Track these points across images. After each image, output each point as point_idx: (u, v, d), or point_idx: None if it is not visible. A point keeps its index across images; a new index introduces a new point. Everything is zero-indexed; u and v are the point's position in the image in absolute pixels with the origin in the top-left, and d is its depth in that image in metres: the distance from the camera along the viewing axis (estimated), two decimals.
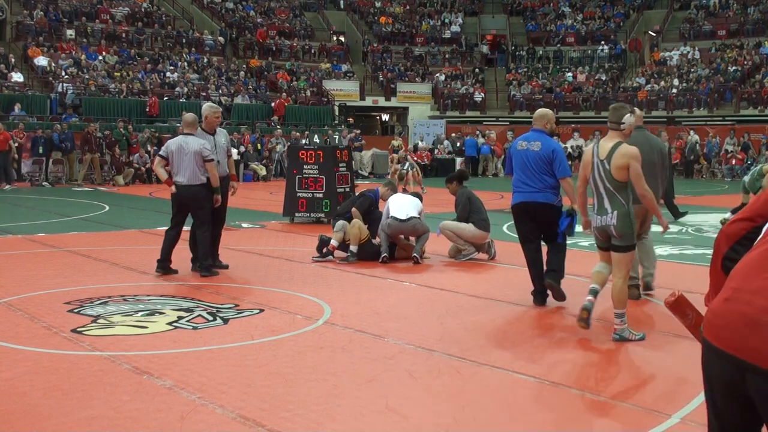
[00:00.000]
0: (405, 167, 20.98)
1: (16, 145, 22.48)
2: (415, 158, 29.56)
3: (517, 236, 7.98)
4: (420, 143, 31.06)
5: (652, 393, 5.00)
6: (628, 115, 6.27)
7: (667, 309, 2.51)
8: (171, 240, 8.83)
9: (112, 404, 4.55)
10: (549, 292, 7.45)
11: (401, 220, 9.77)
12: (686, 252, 10.75)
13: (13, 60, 29.13)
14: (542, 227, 7.48)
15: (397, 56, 41.13)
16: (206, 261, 8.79)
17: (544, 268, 7.50)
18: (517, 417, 4.53)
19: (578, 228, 7.21)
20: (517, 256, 10.25)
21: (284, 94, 33.15)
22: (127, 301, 7.39)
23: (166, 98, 29.60)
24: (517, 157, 7.44)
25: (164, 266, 8.81)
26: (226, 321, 6.66)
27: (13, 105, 25.49)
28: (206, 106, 9.54)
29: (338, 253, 10.04)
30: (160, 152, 9.11)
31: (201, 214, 8.79)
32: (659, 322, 6.78)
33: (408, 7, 44.66)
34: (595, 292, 6.24)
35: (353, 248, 9.82)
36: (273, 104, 31.73)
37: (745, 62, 35.23)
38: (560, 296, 7.34)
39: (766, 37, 36.55)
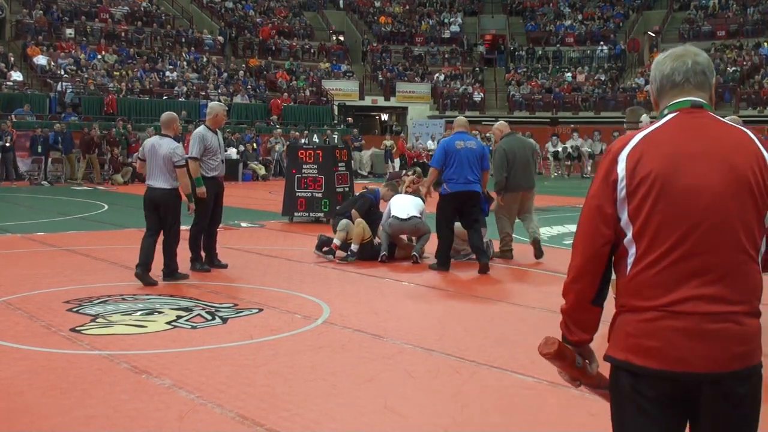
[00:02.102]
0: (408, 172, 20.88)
1: (11, 141, 22.42)
2: (415, 157, 29.60)
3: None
4: (416, 143, 31.07)
5: None
6: (645, 114, 6.74)
7: (547, 360, 2.35)
8: (148, 247, 8.19)
9: (110, 403, 4.55)
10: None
11: (402, 220, 9.77)
12: None
13: (12, 59, 29.12)
14: (466, 212, 9.18)
15: (397, 56, 41.13)
16: (171, 266, 8.36)
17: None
18: (515, 417, 4.53)
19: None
20: (515, 255, 10.27)
21: (285, 93, 33.15)
22: (126, 300, 7.39)
23: (165, 97, 29.60)
24: (457, 155, 9.06)
25: (143, 274, 8.07)
26: (225, 320, 6.66)
27: (13, 104, 25.45)
28: (218, 105, 9.62)
29: (338, 252, 10.04)
30: (139, 155, 8.89)
31: (170, 219, 8.33)
32: None
33: (407, 7, 44.66)
34: None
35: (354, 247, 9.81)
36: (270, 102, 31.74)
37: (745, 63, 35.24)
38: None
39: (766, 37, 36.58)
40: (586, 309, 2.33)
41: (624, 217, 2.21)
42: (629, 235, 2.21)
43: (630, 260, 2.22)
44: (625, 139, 2.29)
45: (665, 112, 2.29)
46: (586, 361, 2.39)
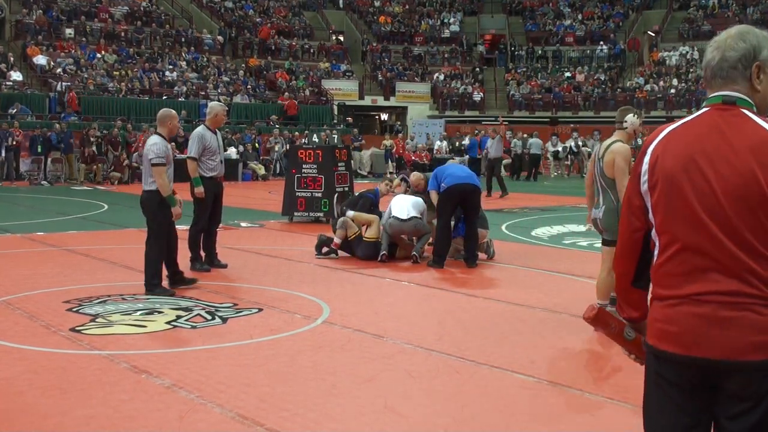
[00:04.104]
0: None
1: (15, 143, 22.53)
2: (414, 157, 29.58)
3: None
4: (411, 142, 31.08)
5: None
6: (631, 115, 6.58)
7: (588, 324, 2.45)
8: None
9: (110, 403, 4.55)
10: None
11: (402, 220, 9.76)
12: None
13: (12, 59, 29.11)
14: (467, 208, 9.54)
15: (396, 56, 41.13)
16: (154, 279, 7.65)
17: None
18: (515, 417, 4.53)
19: None
20: (515, 255, 10.28)
21: (287, 93, 33.17)
22: (126, 300, 7.39)
23: (165, 97, 29.60)
24: (447, 167, 9.80)
25: (175, 279, 7.94)
26: (224, 320, 6.66)
27: (13, 104, 25.44)
28: (218, 105, 9.55)
29: (340, 252, 10.05)
30: None
31: (149, 225, 7.76)
32: None
33: (407, 7, 44.68)
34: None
35: (350, 212, 9.98)
36: (285, 104, 31.78)
37: None
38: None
39: None
40: (628, 290, 2.42)
41: (649, 209, 2.29)
42: (654, 227, 2.29)
43: (656, 251, 2.29)
44: (657, 131, 2.32)
45: (703, 105, 2.31)
46: (641, 335, 2.43)
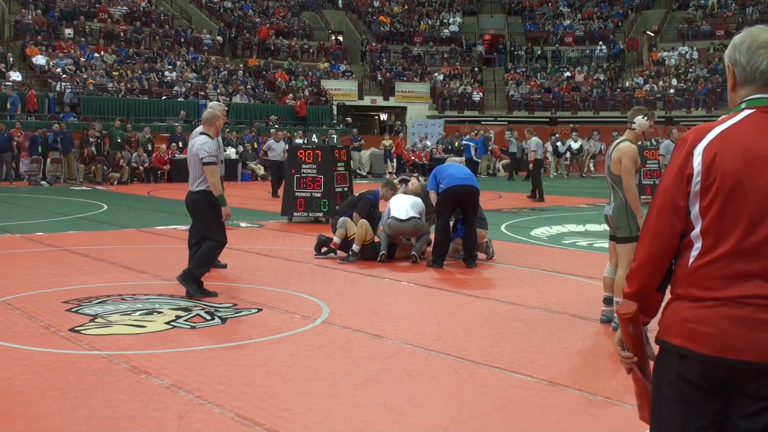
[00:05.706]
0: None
1: (16, 143, 22.56)
2: (413, 157, 29.61)
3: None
4: (419, 143, 31.12)
5: None
6: (640, 117, 6.62)
7: (621, 319, 2.39)
8: (191, 256, 7.95)
9: (109, 403, 4.55)
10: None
11: (402, 220, 9.77)
12: None
13: (11, 59, 29.10)
14: (465, 208, 9.54)
15: (396, 56, 41.10)
16: (192, 272, 7.60)
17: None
18: (514, 417, 4.53)
19: None
20: (515, 255, 10.28)
21: (292, 94, 33.14)
22: (126, 300, 7.39)
23: (164, 97, 29.58)
24: (446, 167, 9.82)
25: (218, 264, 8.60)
26: (224, 320, 6.66)
27: (9, 103, 25.41)
28: (218, 105, 9.46)
29: (339, 252, 10.04)
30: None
31: (202, 226, 7.76)
32: None
33: (406, 7, 44.65)
34: (608, 301, 6.64)
35: (356, 248, 9.81)
36: (295, 104, 31.78)
37: None
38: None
39: None
40: (650, 295, 2.37)
41: (695, 211, 2.23)
42: (697, 229, 2.23)
43: (694, 253, 2.23)
44: (701, 131, 2.26)
45: (742, 106, 2.27)
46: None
